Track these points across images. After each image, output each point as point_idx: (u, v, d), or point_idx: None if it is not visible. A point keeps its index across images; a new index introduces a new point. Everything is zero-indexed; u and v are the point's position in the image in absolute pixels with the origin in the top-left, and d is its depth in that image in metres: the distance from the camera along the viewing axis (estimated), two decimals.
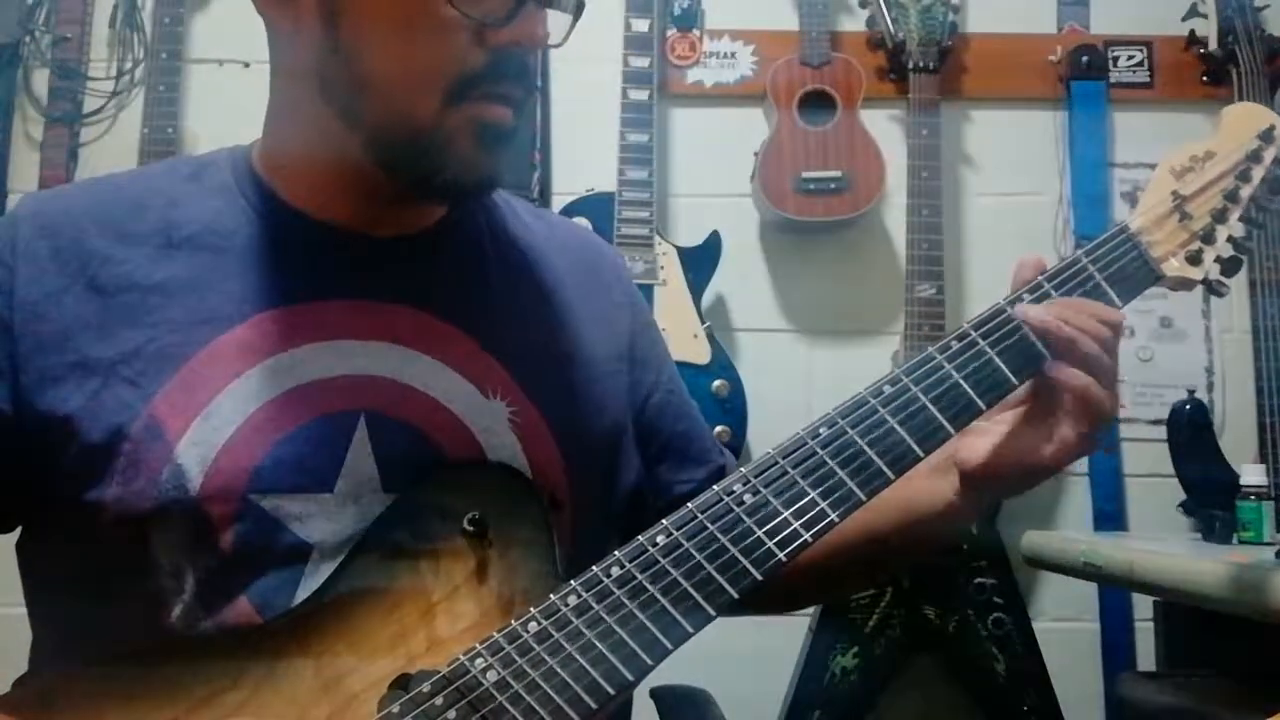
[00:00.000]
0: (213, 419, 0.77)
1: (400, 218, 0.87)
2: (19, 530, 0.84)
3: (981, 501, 0.90)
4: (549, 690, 0.70)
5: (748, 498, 0.76)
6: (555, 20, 0.82)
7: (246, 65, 2.14)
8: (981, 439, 0.85)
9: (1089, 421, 0.81)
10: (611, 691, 0.71)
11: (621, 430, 0.93)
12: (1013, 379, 0.82)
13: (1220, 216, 0.89)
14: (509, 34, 0.77)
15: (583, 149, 2.11)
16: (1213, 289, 0.90)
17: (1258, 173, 0.90)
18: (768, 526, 0.75)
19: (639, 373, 0.96)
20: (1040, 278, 0.85)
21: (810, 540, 0.76)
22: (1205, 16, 2.07)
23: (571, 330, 0.91)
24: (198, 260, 0.82)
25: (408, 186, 0.82)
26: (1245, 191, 0.89)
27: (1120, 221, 0.89)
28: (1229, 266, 0.89)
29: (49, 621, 0.84)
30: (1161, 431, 1.92)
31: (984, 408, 0.81)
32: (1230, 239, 0.89)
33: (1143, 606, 2.04)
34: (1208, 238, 0.88)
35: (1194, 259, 0.88)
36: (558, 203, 2.08)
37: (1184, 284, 0.89)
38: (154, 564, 0.76)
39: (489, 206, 0.94)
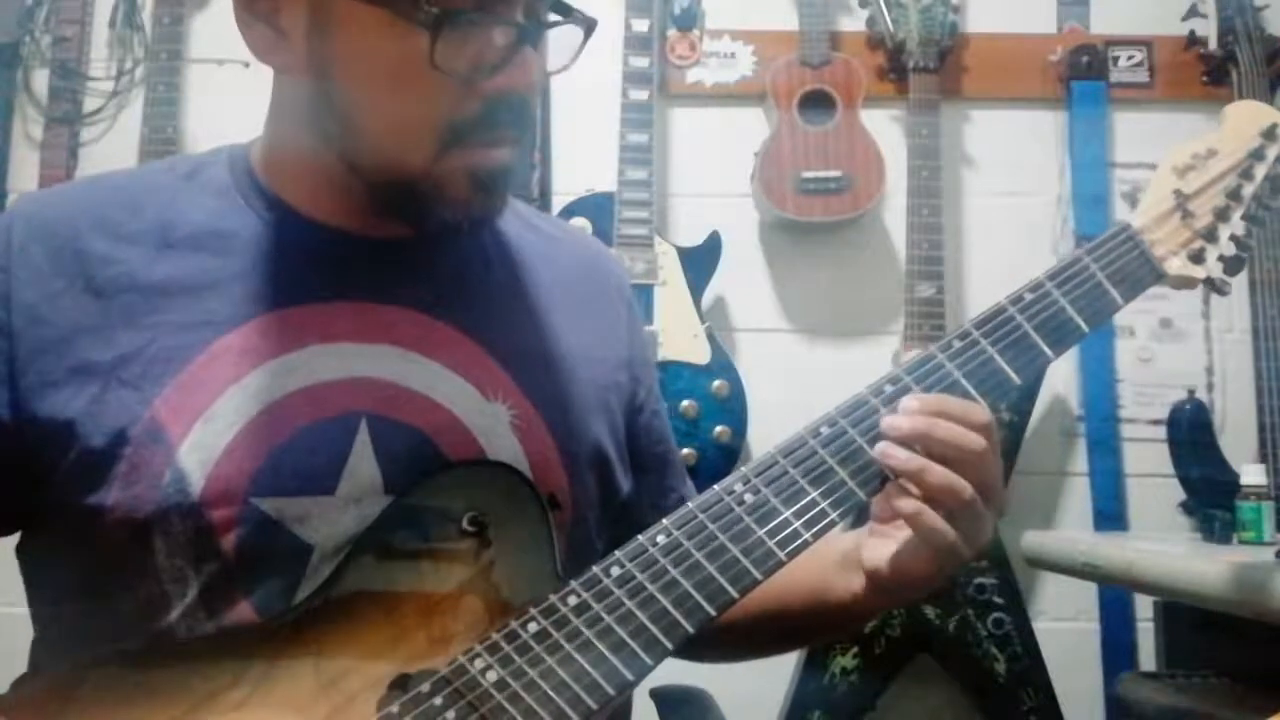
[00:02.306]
0: (214, 422, 0.76)
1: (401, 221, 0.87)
2: (19, 533, 0.84)
3: (890, 600, 0.87)
4: (548, 690, 0.70)
5: (748, 497, 0.76)
6: (566, 38, 0.80)
7: (246, 65, 2.13)
8: (884, 543, 0.82)
9: (932, 548, 0.78)
10: (611, 692, 0.71)
11: (619, 436, 0.93)
12: (1015, 378, 0.81)
13: (1223, 214, 0.88)
14: (500, 82, 0.76)
15: (583, 149, 2.11)
16: (1216, 287, 0.89)
17: (1260, 170, 0.90)
18: (768, 526, 0.75)
19: (635, 387, 0.96)
20: (1041, 276, 0.84)
21: (811, 540, 0.76)
22: (1205, 16, 2.07)
23: (572, 335, 0.91)
24: (196, 261, 0.81)
25: (404, 222, 0.82)
26: (1248, 189, 0.89)
27: (1122, 220, 0.88)
28: (1232, 265, 0.89)
29: (50, 623, 0.83)
30: (1161, 431, 1.93)
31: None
32: (1233, 237, 0.89)
33: (1143, 606, 2.04)
34: (1210, 236, 0.88)
35: (1196, 257, 0.88)
36: (558, 203, 2.08)
37: (1186, 283, 0.88)
38: (156, 567, 0.75)
39: None
